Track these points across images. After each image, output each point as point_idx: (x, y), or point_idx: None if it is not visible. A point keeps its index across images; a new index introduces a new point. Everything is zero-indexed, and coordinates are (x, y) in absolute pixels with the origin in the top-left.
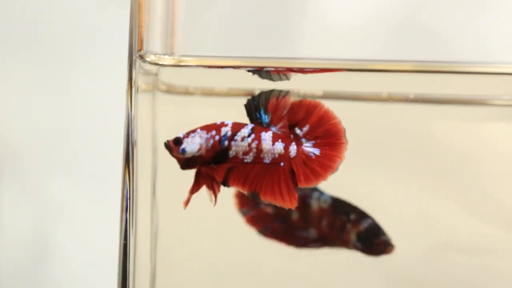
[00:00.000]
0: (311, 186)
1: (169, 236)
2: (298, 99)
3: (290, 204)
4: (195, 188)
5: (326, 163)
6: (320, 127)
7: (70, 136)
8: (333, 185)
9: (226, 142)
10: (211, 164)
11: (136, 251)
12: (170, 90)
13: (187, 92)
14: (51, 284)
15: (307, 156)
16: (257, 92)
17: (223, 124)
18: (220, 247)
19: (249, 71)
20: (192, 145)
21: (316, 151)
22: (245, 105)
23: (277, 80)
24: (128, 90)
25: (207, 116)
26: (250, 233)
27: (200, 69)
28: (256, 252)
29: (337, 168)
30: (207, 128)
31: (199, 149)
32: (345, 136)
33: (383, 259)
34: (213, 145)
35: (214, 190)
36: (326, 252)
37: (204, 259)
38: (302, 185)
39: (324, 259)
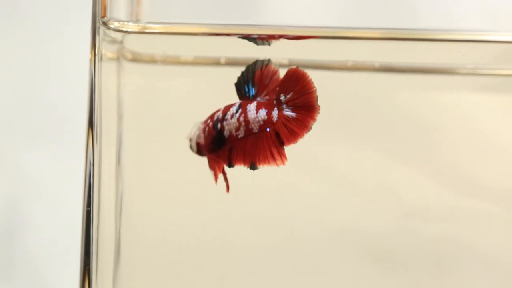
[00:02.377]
0: (291, 144)
1: (134, 203)
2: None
3: (282, 162)
4: (215, 176)
5: (302, 124)
6: (301, 95)
7: (34, 106)
8: (298, 154)
9: (219, 125)
10: (217, 150)
11: (100, 218)
12: (136, 59)
13: (153, 61)
14: (23, 253)
15: (286, 118)
16: (223, 61)
17: (217, 110)
18: (186, 216)
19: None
20: (194, 138)
21: (294, 114)
22: (235, 84)
23: (260, 44)
24: (92, 57)
25: (174, 85)
26: (218, 203)
27: (167, 37)
28: (224, 222)
29: (310, 128)
30: (206, 119)
31: (199, 140)
32: (317, 102)
33: (350, 231)
34: (208, 132)
35: (224, 174)
36: (297, 227)
37: (170, 227)
38: (285, 144)
39: (295, 234)
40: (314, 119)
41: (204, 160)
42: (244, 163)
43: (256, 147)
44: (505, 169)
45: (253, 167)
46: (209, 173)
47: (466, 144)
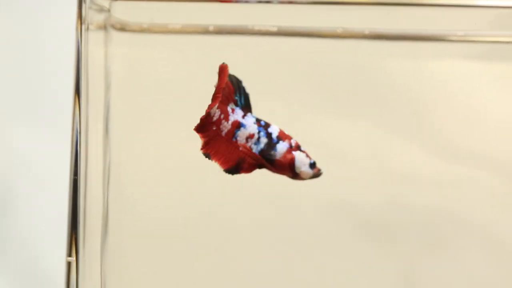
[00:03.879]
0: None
1: (122, 172)
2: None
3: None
4: None
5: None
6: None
7: (21, 80)
8: (288, 123)
9: None
10: None
11: (88, 187)
12: (124, 28)
13: (141, 30)
14: (13, 226)
15: None
16: (211, 28)
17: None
18: (175, 185)
19: None
20: None
21: None
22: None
23: None
24: (78, 27)
25: (162, 54)
26: (207, 172)
27: (154, 4)
28: (214, 192)
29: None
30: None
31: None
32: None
33: (341, 202)
34: None
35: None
36: (289, 199)
37: (158, 196)
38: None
39: (287, 206)
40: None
41: (191, 130)
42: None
43: None
44: (496, 138)
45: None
46: (197, 143)
47: (457, 112)
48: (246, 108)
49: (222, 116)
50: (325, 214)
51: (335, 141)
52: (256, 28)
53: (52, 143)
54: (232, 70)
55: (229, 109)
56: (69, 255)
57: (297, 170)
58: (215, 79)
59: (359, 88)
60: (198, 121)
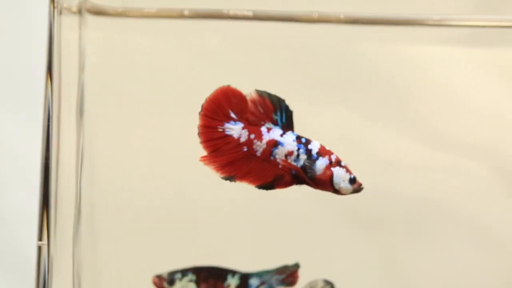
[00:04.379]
0: None
1: (95, 156)
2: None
3: None
4: None
5: None
6: None
7: None
8: None
9: None
10: None
11: (60, 171)
12: (99, 12)
13: (116, 14)
14: None
15: None
16: (186, 13)
17: None
18: (148, 169)
19: None
20: None
21: None
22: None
23: None
24: (51, 10)
25: (137, 39)
26: (183, 156)
27: None
28: (190, 176)
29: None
30: None
31: None
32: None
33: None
34: None
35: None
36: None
37: (132, 180)
38: None
39: (270, 195)
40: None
41: (165, 114)
42: None
43: None
44: (479, 125)
45: None
46: (171, 126)
47: (440, 99)
48: (287, 126)
49: (253, 136)
50: (310, 201)
51: (315, 128)
52: (232, 12)
53: (24, 126)
54: (207, 54)
55: (263, 128)
56: (40, 239)
57: (337, 186)
58: (190, 63)
59: (336, 73)
60: (177, 110)
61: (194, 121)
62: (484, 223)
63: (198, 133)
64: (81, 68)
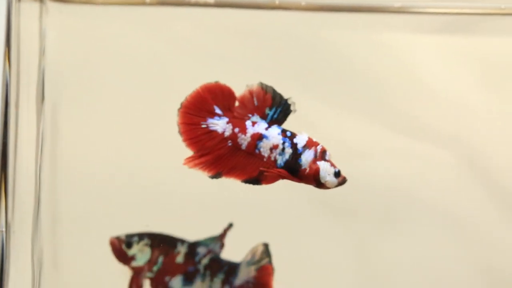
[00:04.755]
0: None
1: (56, 142)
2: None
3: None
4: None
5: None
6: None
7: None
8: None
9: None
10: None
11: (19, 154)
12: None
13: (78, 1)
14: None
15: None
16: (148, 0)
17: None
18: (110, 152)
19: None
20: None
21: None
22: None
23: None
24: None
25: (100, 26)
26: (144, 140)
27: None
28: (155, 161)
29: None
30: None
31: None
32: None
33: None
34: None
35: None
36: None
37: (93, 163)
38: None
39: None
40: None
41: (128, 100)
42: None
43: None
44: (445, 112)
45: None
46: (134, 112)
47: (405, 86)
48: (276, 122)
49: (237, 130)
50: (280, 188)
51: None
52: (193, 0)
53: None
54: (170, 41)
55: (248, 122)
56: None
57: (322, 180)
58: (153, 50)
59: (298, 60)
60: (140, 96)
61: (157, 107)
62: (455, 211)
63: (180, 131)
64: (42, 54)
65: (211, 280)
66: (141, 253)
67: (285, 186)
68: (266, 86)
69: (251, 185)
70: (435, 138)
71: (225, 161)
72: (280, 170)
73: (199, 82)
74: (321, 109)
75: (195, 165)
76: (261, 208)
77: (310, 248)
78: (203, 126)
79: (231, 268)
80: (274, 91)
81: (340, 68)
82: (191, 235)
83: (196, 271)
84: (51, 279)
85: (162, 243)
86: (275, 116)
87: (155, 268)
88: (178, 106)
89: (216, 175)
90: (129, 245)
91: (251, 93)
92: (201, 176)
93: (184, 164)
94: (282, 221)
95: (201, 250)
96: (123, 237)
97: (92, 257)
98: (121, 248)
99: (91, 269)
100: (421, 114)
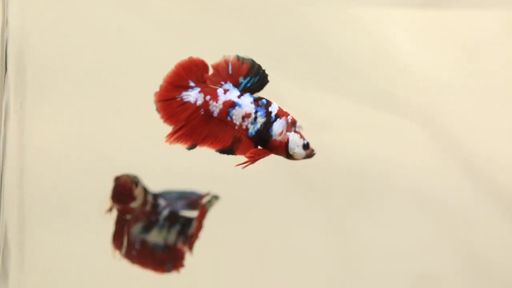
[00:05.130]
0: None
1: (23, 115)
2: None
3: None
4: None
5: None
6: None
7: None
8: None
9: None
10: None
11: None
12: None
13: None
14: None
15: None
16: None
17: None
18: (76, 136)
19: None
20: None
21: None
22: None
23: None
24: None
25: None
26: (109, 123)
27: None
28: (124, 146)
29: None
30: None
31: None
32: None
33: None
34: None
35: None
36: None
37: (59, 148)
38: None
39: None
40: None
41: (95, 81)
42: None
43: None
44: (417, 85)
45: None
46: (103, 97)
47: (374, 59)
48: (250, 91)
49: (208, 98)
50: (252, 166)
51: None
52: None
53: None
54: (142, 14)
55: (220, 90)
56: None
57: (291, 152)
58: (123, 23)
59: (271, 34)
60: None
61: (126, 85)
62: (428, 187)
63: (157, 110)
64: (4, 24)
65: (168, 231)
66: (140, 195)
67: (258, 162)
68: (243, 58)
69: (224, 161)
70: (407, 112)
71: (199, 131)
72: (254, 150)
73: (174, 57)
74: (294, 83)
75: (174, 140)
76: (234, 184)
77: (283, 224)
78: (177, 99)
79: (187, 221)
80: (252, 62)
81: (312, 42)
82: None
83: (156, 221)
84: (16, 259)
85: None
86: (249, 85)
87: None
88: (150, 79)
89: (191, 146)
90: (137, 184)
91: (226, 62)
92: (173, 157)
93: (166, 141)
94: (255, 196)
95: (162, 202)
96: (132, 176)
97: (59, 254)
98: (131, 187)
99: (57, 248)
100: (393, 89)
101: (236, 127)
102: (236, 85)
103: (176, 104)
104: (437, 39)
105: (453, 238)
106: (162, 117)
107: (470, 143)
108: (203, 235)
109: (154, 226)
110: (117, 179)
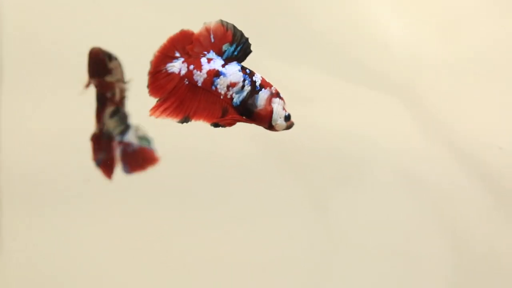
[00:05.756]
0: None
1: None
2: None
3: None
4: None
5: None
6: None
7: None
8: None
9: None
10: None
11: None
12: None
13: None
14: None
15: None
16: None
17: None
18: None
19: None
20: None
21: None
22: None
23: None
24: None
25: None
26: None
27: None
28: None
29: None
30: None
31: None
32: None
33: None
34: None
35: None
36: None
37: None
38: None
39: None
40: None
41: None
42: None
43: None
44: (393, 61)
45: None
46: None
47: (355, 32)
48: (233, 59)
49: (192, 67)
50: (233, 141)
51: None
52: None
53: None
54: None
55: (203, 59)
56: None
57: (273, 123)
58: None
59: (250, 8)
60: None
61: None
62: (411, 166)
63: (147, 85)
64: None
65: (120, 124)
66: (116, 70)
67: (240, 138)
68: (227, 23)
69: (206, 134)
70: (390, 91)
71: (188, 103)
72: (233, 116)
73: (159, 33)
74: (275, 58)
75: (161, 113)
76: (215, 160)
77: (263, 202)
78: (163, 71)
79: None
80: (235, 28)
81: (294, 18)
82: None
83: (122, 112)
84: None
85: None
86: (235, 53)
87: (114, 91)
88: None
89: (184, 119)
90: (110, 58)
91: (208, 30)
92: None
93: (150, 115)
94: (233, 175)
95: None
96: (105, 50)
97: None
98: (104, 58)
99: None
100: (376, 67)
101: (222, 97)
102: (219, 53)
103: (162, 76)
104: (419, 16)
105: (435, 216)
106: (150, 91)
107: (453, 122)
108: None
109: (117, 114)
110: (90, 51)
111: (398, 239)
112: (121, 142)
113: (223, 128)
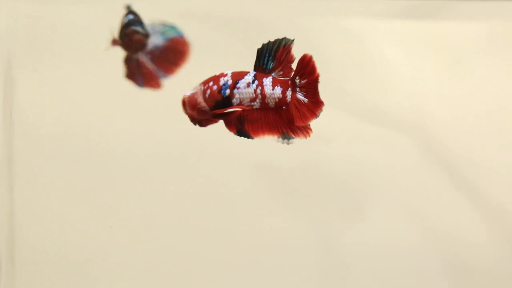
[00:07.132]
0: (301, 125)
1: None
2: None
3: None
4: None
5: (312, 110)
6: (311, 84)
7: None
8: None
9: (227, 91)
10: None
11: None
12: None
13: None
14: None
15: (299, 102)
16: None
17: (222, 75)
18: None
19: None
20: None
21: (306, 100)
22: (258, 49)
23: None
24: None
25: None
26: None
27: None
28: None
29: (318, 116)
30: (205, 81)
31: (197, 102)
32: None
33: (259, 163)
34: (210, 95)
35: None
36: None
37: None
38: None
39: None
40: (321, 110)
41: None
42: (263, 133)
43: (275, 121)
44: (404, 96)
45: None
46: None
47: (362, 70)
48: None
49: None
50: (245, 169)
51: None
52: None
53: None
54: None
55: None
56: None
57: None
58: None
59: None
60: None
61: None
62: (415, 197)
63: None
64: None
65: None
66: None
67: (249, 169)
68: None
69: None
70: (395, 124)
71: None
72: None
73: None
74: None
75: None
76: (222, 189)
77: (272, 234)
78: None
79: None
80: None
81: (301, 53)
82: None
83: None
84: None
85: None
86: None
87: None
88: None
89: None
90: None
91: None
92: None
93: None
94: (238, 204)
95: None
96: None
97: (47, 209)
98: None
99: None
100: (381, 100)
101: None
102: None
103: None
104: (423, 49)
105: (439, 250)
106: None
107: (456, 152)
108: (183, 235)
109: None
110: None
111: (403, 271)
112: (147, 53)
113: (227, 162)
